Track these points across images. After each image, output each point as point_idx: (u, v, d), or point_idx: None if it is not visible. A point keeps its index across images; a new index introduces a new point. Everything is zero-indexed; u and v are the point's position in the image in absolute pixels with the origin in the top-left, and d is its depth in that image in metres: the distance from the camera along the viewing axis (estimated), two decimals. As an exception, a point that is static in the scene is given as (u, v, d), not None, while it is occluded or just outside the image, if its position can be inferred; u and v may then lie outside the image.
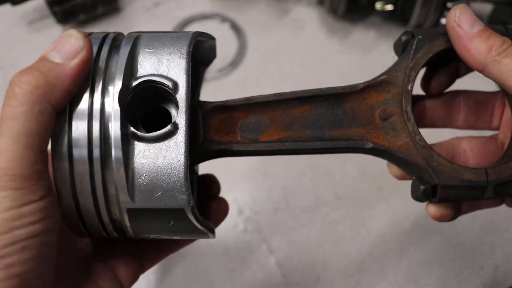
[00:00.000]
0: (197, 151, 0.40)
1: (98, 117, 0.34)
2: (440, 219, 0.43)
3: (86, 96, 0.35)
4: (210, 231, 0.39)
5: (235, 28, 0.94)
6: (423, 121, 0.49)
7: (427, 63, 0.43)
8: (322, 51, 0.92)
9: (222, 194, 0.49)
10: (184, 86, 0.36)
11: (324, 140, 0.42)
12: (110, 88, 0.35)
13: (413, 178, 0.42)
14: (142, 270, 0.45)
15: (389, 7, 0.87)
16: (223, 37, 0.93)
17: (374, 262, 0.75)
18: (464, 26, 0.39)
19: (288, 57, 0.91)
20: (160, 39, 0.38)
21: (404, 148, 0.41)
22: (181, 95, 0.36)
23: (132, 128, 0.35)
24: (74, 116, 0.34)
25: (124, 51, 0.36)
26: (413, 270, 0.75)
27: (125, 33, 0.40)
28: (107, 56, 0.36)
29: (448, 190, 0.40)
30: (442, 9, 0.82)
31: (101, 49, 0.37)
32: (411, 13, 0.85)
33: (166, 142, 0.35)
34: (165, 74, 0.36)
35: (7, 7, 0.86)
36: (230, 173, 0.80)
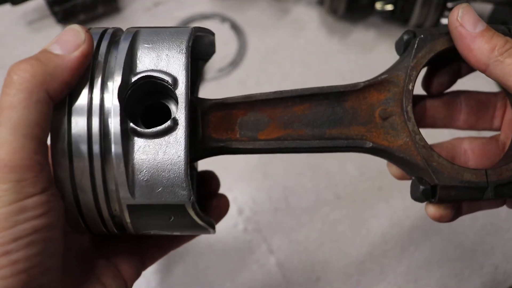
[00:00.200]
0: (195, 148, 0.40)
1: (97, 112, 0.34)
2: (440, 219, 0.42)
3: (85, 91, 0.35)
4: (210, 226, 0.39)
5: (235, 28, 0.94)
6: (423, 121, 0.48)
7: (429, 63, 0.43)
8: (322, 51, 0.92)
9: (224, 194, 0.50)
10: (184, 82, 0.36)
11: (323, 139, 0.42)
12: (110, 84, 0.35)
13: (413, 178, 0.42)
14: (144, 266, 0.45)
15: (389, 7, 0.87)
16: (223, 37, 0.93)
17: (374, 262, 0.75)
18: (466, 26, 0.39)
19: (288, 57, 0.91)
20: (159, 34, 0.38)
21: (404, 148, 0.41)
22: (181, 91, 0.36)
23: (131, 124, 0.35)
24: (74, 111, 0.34)
25: (123, 46, 0.36)
26: (413, 270, 0.75)
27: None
28: (106, 51, 0.36)
29: (447, 191, 0.40)
30: (442, 9, 0.82)
31: (100, 44, 0.37)
32: (411, 13, 0.85)
33: (166, 137, 0.35)
34: (165, 69, 0.36)
35: (7, 7, 0.86)
36: (230, 173, 0.80)
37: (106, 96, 0.35)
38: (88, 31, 0.35)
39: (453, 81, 0.48)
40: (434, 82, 0.47)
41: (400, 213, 0.78)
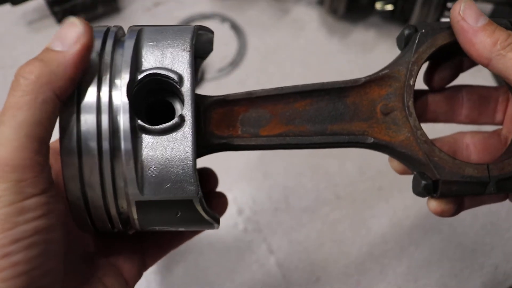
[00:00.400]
0: (198, 145, 0.41)
1: (106, 110, 0.35)
2: (442, 214, 0.42)
3: (93, 89, 0.35)
4: (216, 221, 0.40)
5: (235, 28, 0.94)
6: (425, 116, 0.48)
7: (430, 57, 0.43)
8: (322, 51, 0.92)
9: (223, 192, 0.50)
10: (189, 79, 0.37)
11: (325, 135, 0.42)
12: (117, 82, 0.35)
13: (414, 173, 0.42)
14: (145, 267, 0.45)
15: (389, 7, 0.87)
16: (223, 37, 0.93)
17: (374, 262, 0.75)
18: (468, 20, 0.39)
19: (288, 57, 0.92)
20: (162, 33, 0.38)
21: (405, 143, 0.41)
22: (186, 88, 0.37)
23: (139, 121, 0.36)
24: (83, 109, 0.35)
25: (129, 44, 0.37)
26: (413, 270, 0.75)
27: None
28: (112, 50, 0.37)
29: (449, 186, 0.40)
30: (442, 9, 0.82)
31: (105, 42, 0.37)
32: (411, 13, 0.85)
33: (174, 134, 0.36)
34: (170, 67, 0.37)
35: (7, 7, 0.86)
36: (230, 173, 0.80)
37: (114, 93, 0.35)
38: (87, 23, 0.35)
39: (455, 76, 0.47)
40: (436, 77, 0.47)
41: (400, 213, 0.78)
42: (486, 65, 0.39)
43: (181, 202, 0.37)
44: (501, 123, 0.48)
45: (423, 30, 0.42)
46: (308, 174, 0.81)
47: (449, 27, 0.41)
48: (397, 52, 0.45)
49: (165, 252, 0.47)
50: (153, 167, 0.36)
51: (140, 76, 0.36)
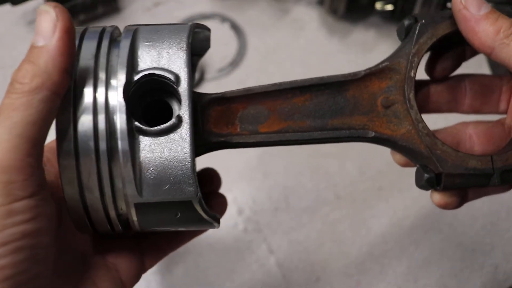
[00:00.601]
0: (197, 144, 0.40)
1: (103, 112, 0.34)
2: (445, 207, 0.42)
3: (89, 91, 0.35)
4: (216, 221, 0.39)
5: (235, 28, 0.94)
6: (427, 107, 0.48)
7: (431, 48, 0.42)
8: (322, 51, 0.92)
9: (222, 193, 0.49)
10: (186, 79, 0.36)
11: (325, 130, 0.42)
12: (113, 83, 0.35)
13: (417, 166, 0.42)
14: (144, 269, 0.45)
15: (389, 7, 0.87)
16: (223, 37, 0.93)
17: (374, 262, 0.75)
18: (470, 9, 0.38)
19: (288, 57, 0.91)
20: (158, 32, 0.38)
21: (407, 136, 0.41)
22: (183, 88, 0.36)
23: (136, 123, 0.35)
24: (79, 112, 0.34)
25: (125, 44, 0.36)
26: (413, 270, 0.74)
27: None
28: (108, 50, 0.36)
29: (452, 179, 0.39)
30: (442, 9, 0.82)
31: (101, 43, 0.37)
32: (411, 13, 0.85)
33: (171, 135, 0.36)
34: (166, 67, 0.36)
35: (7, 7, 0.86)
36: (230, 173, 0.80)
37: (110, 95, 0.35)
38: (58, 4, 0.34)
39: (457, 65, 0.47)
40: (438, 67, 0.46)
41: (400, 213, 0.78)
42: (489, 54, 0.38)
43: (180, 203, 0.36)
44: (505, 112, 0.47)
45: (423, 21, 0.41)
46: (308, 174, 0.81)
47: (450, 16, 0.40)
48: (397, 51, 0.45)
49: (164, 254, 0.47)
50: (151, 168, 0.35)
51: (136, 77, 0.36)
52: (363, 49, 0.92)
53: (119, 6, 0.96)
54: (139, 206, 0.36)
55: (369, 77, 0.42)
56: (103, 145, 0.34)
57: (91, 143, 0.34)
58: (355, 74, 0.42)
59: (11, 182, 0.30)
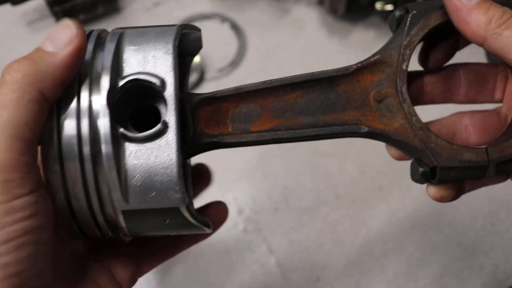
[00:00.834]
0: (187, 145, 0.40)
1: (86, 118, 0.34)
2: (441, 200, 0.41)
3: (73, 98, 0.34)
4: (206, 226, 0.39)
5: (235, 28, 0.94)
6: (422, 98, 0.47)
7: (423, 39, 0.41)
8: (322, 51, 0.92)
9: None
10: (172, 83, 0.36)
11: (317, 126, 0.41)
12: (97, 89, 0.35)
13: (412, 160, 0.41)
14: (140, 272, 0.45)
15: (389, 7, 0.87)
16: (223, 37, 0.93)
17: (374, 262, 0.75)
18: None
19: (288, 57, 0.91)
20: (144, 35, 0.37)
21: (400, 131, 0.40)
22: (169, 92, 0.36)
23: (121, 129, 0.35)
24: (62, 119, 0.34)
25: (109, 49, 0.36)
26: (413, 270, 0.74)
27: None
28: (92, 55, 0.36)
29: (447, 172, 0.39)
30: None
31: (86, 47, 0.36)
32: (411, 13, 0.85)
33: (157, 141, 0.35)
34: (152, 71, 0.36)
35: (7, 7, 0.86)
36: (230, 173, 0.80)
37: (94, 102, 0.34)
38: (80, 25, 0.35)
39: (451, 55, 0.46)
40: (431, 58, 0.45)
41: (400, 213, 0.78)
42: (481, 44, 0.38)
43: (168, 210, 0.36)
44: (500, 101, 0.47)
45: (414, 11, 0.40)
46: (308, 174, 0.81)
47: (441, 6, 0.39)
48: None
49: (161, 260, 0.47)
50: (137, 176, 0.35)
51: (121, 83, 0.35)
52: (363, 49, 0.92)
53: (119, 6, 0.96)
54: (126, 213, 0.36)
55: (361, 71, 0.41)
56: (87, 152, 0.34)
57: (75, 150, 0.34)
58: (346, 68, 0.41)
59: (8, 180, 0.30)
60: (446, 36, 0.45)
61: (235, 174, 0.80)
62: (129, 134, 0.35)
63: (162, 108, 0.39)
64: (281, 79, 0.41)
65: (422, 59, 0.46)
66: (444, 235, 0.76)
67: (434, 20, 0.40)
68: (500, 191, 0.46)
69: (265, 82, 0.41)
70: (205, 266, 0.75)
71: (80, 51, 0.34)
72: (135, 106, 0.39)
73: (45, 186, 0.34)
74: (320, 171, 0.81)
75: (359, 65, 0.41)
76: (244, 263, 0.75)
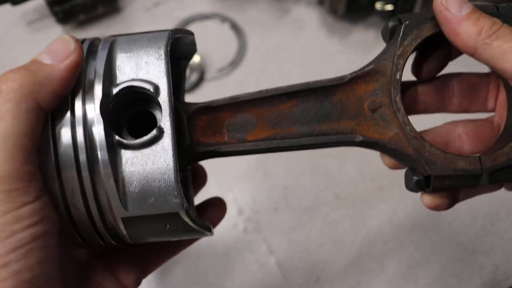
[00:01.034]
0: (184, 154, 0.40)
1: (81, 127, 0.34)
2: (436, 208, 0.42)
3: (67, 107, 0.34)
4: (206, 229, 0.39)
5: (235, 28, 0.94)
6: (416, 107, 0.47)
7: (416, 49, 0.42)
8: (322, 51, 0.92)
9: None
10: (166, 88, 0.36)
11: (313, 136, 0.41)
12: (91, 98, 0.35)
13: (406, 168, 0.41)
14: (144, 274, 0.45)
15: (389, 7, 0.87)
16: (223, 37, 0.93)
17: (374, 262, 0.75)
18: (452, 9, 0.38)
19: (288, 57, 0.92)
20: (136, 42, 0.37)
21: (395, 140, 0.41)
22: (163, 98, 0.36)
23: (117, 137, 0.35)
24: (57, 129, 0.34)
25: (101, 57, 0.36)
26: (413, 270, 0.75)
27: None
28: (85, 64, 0.36)
29: (441, 180, 0.39)
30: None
31: None
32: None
33: (153, 147, 0.35)
34: (145, 78, 0.36)
35: (7, 7, 0.86)
36: (230, 173, 0.80)
37: (88, 111, 0.34)
38: (78, 41, 0.35)
39: (443, 65, 0.46)
40: (424, 68, 0.46)
41: (400, 213, 0.78)
42: (472, 55, 0.38)
43: (168, 215, 0.36)
44: (493, 110, 0.47)
45: (407, 22, 0.41)
46: (308, 174, 0.81)
47: (433, 17, 0.40)
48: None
49: (165, 260, 0.47)
50: (135, 182, 0.35)
51: (115, 90, 0.35)
52: (363, 49, 0.92)
53: (119, 6, 0.96)
54: (126, 220, 0.36)
55: (355, 81, 0.42)
56: (83, 160, 0.34)
57: (72, 159, 0.34)
58: (341, 78, 0.42)
59: (13, 190, 0.30)
60: (439, 46, 0.45)
61: (235, 174, 0.80)
62: (125, 141, 0.35)
63: (157, 114, 0.39)
64: (276, 88, 0.41)
65: (415, 69, 0.46)
66: (444, 235, 0.76)
67: (426, 31, 0.41)
68: (500, 191, 0.46)
69: (260, 91, 0.41)
70: (205, 266, 0.75)
71: (77, 66, 0.34)
72: (132, 113, 0.39)
73: (47, 193, 0.34)
74: (320, 171, 0.81)
75: (354, 74, 0.42)
76: (244, 263, 0.75)
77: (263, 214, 0.78)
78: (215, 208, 0.48)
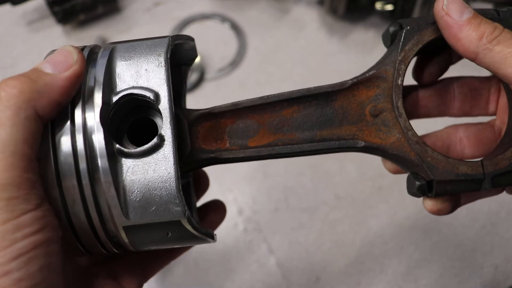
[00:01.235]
0: (186, 161, 0.40)
1: (81, 137, 0.34)
2: (438, 213, 0.42)
3: (67, 116, 0.34)
4: (209, 237, 0.39)
5: (235, 28, 0.94)
6: (417, 112, 0.47)
7: (417, 54, 0.42)
8: (322, 51, 0.92)
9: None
10: (166, 96, 0.36)
11: (314, 141, 0.41)
12: (91, 106, 0.34)
13: (408, 173, 0.41)
14: (145, 279, 0.45)
15: (389, 7, 0.87)
16: (223, 37, 0.93)
17: (374, 262, 0.75)
18: (453, 15, 0.38)
19: (288, 57, 0.92)
20: (136, 49, 0.37)
21: (397, 145, 0.41)
22: (164, 105, 0.35)
23: (118, 146, 0.35)
24: (57, 138, 0.34)
25: (101, 64, 0.35)
26: (413, 270, 0.75)
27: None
28: (85, 71, 0.35)
29: (444, 185, 0.39)
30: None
31: None
32: (411, 13, 0.85)
33: (154, 155, 0.35)
34: (145, 85, 0.36)
35: (7, 7, 0.86)
36: (230, 173, 0.80)
37: (88, 120, 0.34)
38: (80, 52, 0.35)
39: (444, 69, 0.46)
40: (425, 72, 0.46)
41: (400, 213, 0.78)
42: (473, 60, 0.38)
43: (170, 223, 0.36)
44: (494, 114, 0.47)
45: (408, 27, 0.41)
46: (308, 174, 0.81)
47: (434, 22, 0.40)
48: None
49: (165, 263, 0.47)
50: (136, 191, 0.34)
51: (115, 98, 0.35)
52: (363, 49, 0.92)
53: (119, 6, 0.96)
54: (127, 229, 0.35)
55: (357, 86, 0.42)
56: (83, 168, 0.34)
57: (72, 168, 0.33)
58: (342, 84, 0.41)
59: (13, 198, 0.30)
60: (440, 50, 0.45)
61: (235, 174, 0.80)
62: (125, 149, 0.35)
63: (158, 121, 0.39)
64: (278, 94, 0.41)
65: (417, 74, 0.46)
66: (444, 235, 0.76)
67: (427, 36, 0.41)
68: (500, 191, 0.46)
69: (261, 97, 0.41)
70: (205, 266, 0.75)
71: (78, 77, 0.34)
72: (132, 120, 0.39)
73: (49, 201, 0.34)
74: (320, 171, 0.81)
75: (355, 80, 0.42)
76: (244, 263, 0.75)
77: (263, 214, 0.78)
78: (216, 213, 0.48)
